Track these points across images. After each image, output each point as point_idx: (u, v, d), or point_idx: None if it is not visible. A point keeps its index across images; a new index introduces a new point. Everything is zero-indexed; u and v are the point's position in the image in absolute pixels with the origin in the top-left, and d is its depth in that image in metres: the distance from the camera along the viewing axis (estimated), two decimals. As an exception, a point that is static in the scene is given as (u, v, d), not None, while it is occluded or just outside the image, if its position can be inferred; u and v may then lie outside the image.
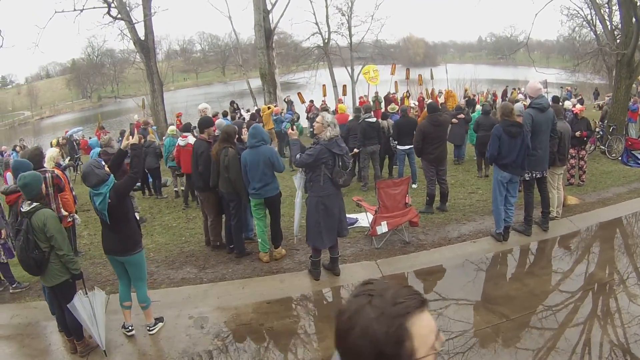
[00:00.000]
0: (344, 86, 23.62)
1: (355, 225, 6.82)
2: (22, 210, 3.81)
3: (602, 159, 11.11)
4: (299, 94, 21.26)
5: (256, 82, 22.56)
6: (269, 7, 21.12)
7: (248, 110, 18.38)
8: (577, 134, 8.17)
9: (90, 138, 18.50)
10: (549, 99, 10.44)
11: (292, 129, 5.48)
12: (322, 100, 20.08)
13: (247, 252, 5.96)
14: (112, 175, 4.01)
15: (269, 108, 15.21)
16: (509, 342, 4.03)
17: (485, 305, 4.68)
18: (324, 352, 4.06)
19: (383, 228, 5.92)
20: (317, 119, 4.95)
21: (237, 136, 5.91)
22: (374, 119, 8.97)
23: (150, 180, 10.17)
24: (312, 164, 4.81)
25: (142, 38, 19.38)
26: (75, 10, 17.18)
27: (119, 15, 18.42)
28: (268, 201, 5.65)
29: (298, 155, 4.87)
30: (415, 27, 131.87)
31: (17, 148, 15.73)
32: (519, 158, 5.66)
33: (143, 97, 23.03)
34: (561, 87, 21.67)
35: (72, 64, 56.24)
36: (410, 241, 6.19)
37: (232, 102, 20.58)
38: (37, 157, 5.18)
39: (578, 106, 9.75)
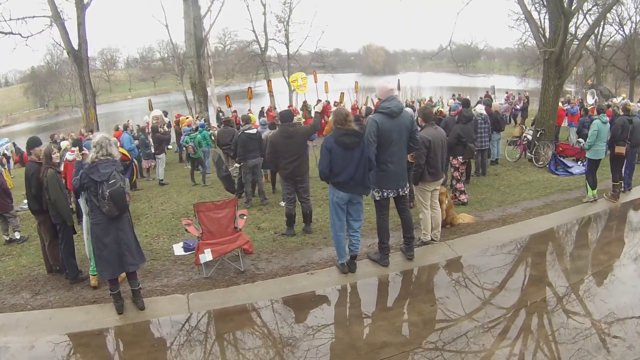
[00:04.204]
0: (269, 81, 22.75)
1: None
2: None
3: (527, 168, 10.31)
4: (226, 96, 20.17)
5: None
6: (202, 14, 20.50)
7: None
8: None
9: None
10: (466, 103, 9.45)
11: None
12: (233, 111, 18.43)
13: (83, 277, 5.41)
14: None
15: (187, 119, 15.21)
16: None
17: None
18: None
19: (207, 256, 5.00)
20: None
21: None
22: (254, 131, 8.02)
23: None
24: (79, 190, 4.46)
25: (76, 48, 18.60)
26: None
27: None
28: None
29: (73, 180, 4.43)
30: (377, 36, 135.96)
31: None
32: (358, 174, 4.67)
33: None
34: (506, 92, 21.19)
35: (32, 71, 54.47)
36: (246, 270, 5.24)
37: (165, 113, 19.58)
38: None
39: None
